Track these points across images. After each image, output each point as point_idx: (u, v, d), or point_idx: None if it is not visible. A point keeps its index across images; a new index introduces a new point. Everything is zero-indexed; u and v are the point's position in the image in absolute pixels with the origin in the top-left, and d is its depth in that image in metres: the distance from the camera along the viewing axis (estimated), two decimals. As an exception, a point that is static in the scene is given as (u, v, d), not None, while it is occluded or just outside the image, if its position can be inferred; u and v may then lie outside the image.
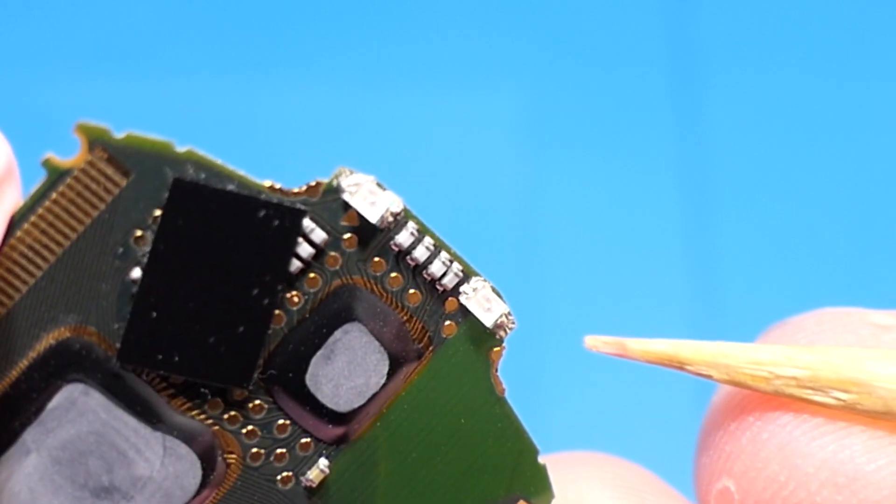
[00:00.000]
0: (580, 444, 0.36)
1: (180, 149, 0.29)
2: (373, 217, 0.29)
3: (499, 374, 0.30)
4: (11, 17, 0.87)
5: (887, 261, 0.81)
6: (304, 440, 0.30)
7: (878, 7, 0.87)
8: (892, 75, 0.85)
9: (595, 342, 0.31)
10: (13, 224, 0.28)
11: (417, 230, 0.29)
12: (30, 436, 0.28)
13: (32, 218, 0.28)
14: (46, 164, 0.28)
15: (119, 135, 0.28)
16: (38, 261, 0.28)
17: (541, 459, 0.30)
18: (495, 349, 0.30)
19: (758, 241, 0.81)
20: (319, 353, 0.29)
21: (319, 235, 0.29)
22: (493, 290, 0.30)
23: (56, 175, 0.28)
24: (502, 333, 0.30)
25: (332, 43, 0.87)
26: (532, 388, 0.75)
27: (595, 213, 0.82)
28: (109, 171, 0.28)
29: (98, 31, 0.87)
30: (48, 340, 0.29)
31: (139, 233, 0.29)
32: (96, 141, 0.28)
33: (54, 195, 0.28)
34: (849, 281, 0.80)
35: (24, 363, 0.29)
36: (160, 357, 0.28)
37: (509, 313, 0.30)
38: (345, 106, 0.85)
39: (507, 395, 0.30)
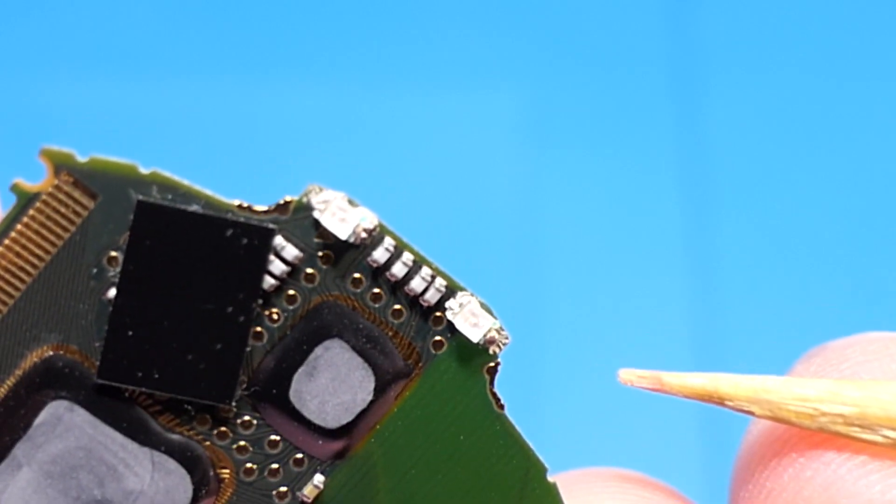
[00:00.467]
0: (593, 461, 0.34)
1: (144, 170, 0.29)
2: (342, 234, 0.29)
3: (496, 389, 0.30)
4: (11, 17, 0.87)
5: (888, 261, 0.80)
6: (297, 456, 0.30)
7: (878, 7, 0.87)
8: (892, 75, 0.85)
9: (630, 376, 0.30)
10: None
11: (395, 246, 0.29)
12: (20, 450, 0.29)
13: (6, 241, 0.29)
14: (15, 188, 0.29)
15: (83, 158, 0.29)
16: (16, 282, 0.29)
17: (550, 478, 0.30)
18: (489, 365, 0.30)
19: (759, 243, 0.81)
20: (301, 369, 0.29)
21: (291, 252, 0.29)
22: (482, 304, 0.29)
23: (25, 199, 0.29)
24: (495, 349, 0.29)
25: (332, 43, 0.87)
26: (535, 397, 0.75)
27: (595, 214, 0.82)
28: (76, 194, 0.29)
29: (98, 31, 0.87)
30: (32, 358, 0.29)
31: (112, 253, 0.29)
32: (61, 165, 0.29)
33: (25, 219, 0.29)
34: (850, 283, 0.80)
35: (10, 381, 0.29)
36: (140, 374, 0.29)
37: (501, 328, 0.29)
38: (344, 106, 0.85)
39: (508, 410, 0.30)
